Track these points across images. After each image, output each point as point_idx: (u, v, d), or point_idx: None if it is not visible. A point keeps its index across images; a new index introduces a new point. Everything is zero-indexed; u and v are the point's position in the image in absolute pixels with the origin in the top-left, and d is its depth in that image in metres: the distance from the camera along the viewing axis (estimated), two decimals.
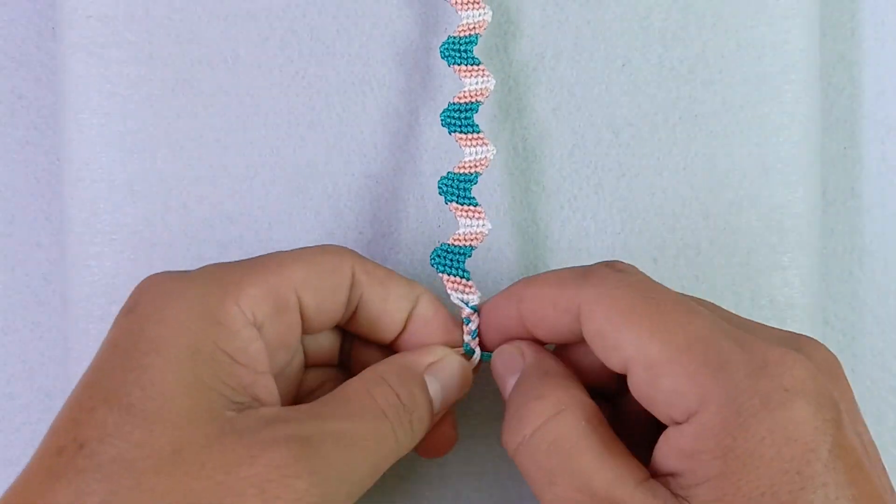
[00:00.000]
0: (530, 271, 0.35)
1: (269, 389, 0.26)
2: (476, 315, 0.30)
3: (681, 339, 0.25)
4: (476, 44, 0.30)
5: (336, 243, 0.33)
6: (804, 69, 0.35)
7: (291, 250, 0.29)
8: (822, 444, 0.23)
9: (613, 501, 0.24)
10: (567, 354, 0.30)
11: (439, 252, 0.30)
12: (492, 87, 0.30)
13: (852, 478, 0.23)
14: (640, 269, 0.28)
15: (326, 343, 0.31)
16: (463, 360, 0.30)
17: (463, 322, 0.30)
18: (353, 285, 0.29)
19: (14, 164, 0.38)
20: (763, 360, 0.24)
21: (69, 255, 0.35)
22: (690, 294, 0.28)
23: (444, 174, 0.30)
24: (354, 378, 0.28)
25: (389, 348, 0.31)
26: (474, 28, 0.30)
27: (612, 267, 0.28)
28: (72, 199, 0.34)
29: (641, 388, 0.25)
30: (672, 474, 0.25)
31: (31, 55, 0.38)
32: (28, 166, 0.38)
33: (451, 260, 0.30)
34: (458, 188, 0.30)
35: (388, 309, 0.29)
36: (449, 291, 0.30)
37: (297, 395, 0.31)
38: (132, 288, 0.27)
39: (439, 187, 0.30)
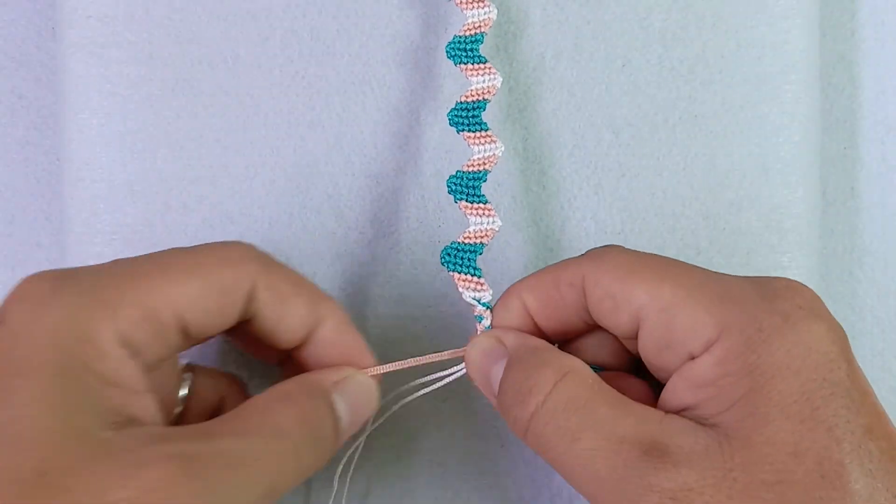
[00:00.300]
0: (530, 272, 0.35)
1: (147, 409, 0.25)
2: (489, 312, 0.30)
3: (691, 281, 0.26)
4: (482, 42, 0.30)
5: (338, 244, 0.33)
6: (804, 69, 0.35)
7: (187, 251, 0.27)
8: (840, 356, 0.24)
9: (641, 440, 0.24)
10: (573, 351, 0.29)
11: (449, 251, 0.30)
12: (499, 85, 0.30)
13: (866, 387, 0.24)
14: None
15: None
16: (369, 379, 0.29)
17: (476, 320, 0.30)
18: (248, 302, 0.27)
19: (14, 164, 0.38)
20: (772, 288, 0.26)
21: (69, 255, 0.35)
22: None
23: (453, 173, 0.30)
24: (257, 395, 0.26)
25: (292, 360, 0.30)
26: (479, 27, 0.30)
27: (605, 247, 0.28)
28: (72, 199, 0.34)
29: (656, 333, 0.26)
30: (687, 408, 0.25)
31: (31, 55, 0.38)
32: (28, 166, 0.38)
33: (462, 258, 0.30)
34: (467, 186, 0.30)
35: (282, 328, 0.28)
36: (461, 290, 0.30)
37: (208, 410, 0.30)
38: None
39: (448, 186, 0.30)
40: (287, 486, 0.25)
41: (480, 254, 0.30)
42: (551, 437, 0.26)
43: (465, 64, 0.30)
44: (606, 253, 0.28)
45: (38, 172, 0.38)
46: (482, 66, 0.30)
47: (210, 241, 0.28)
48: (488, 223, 0.30)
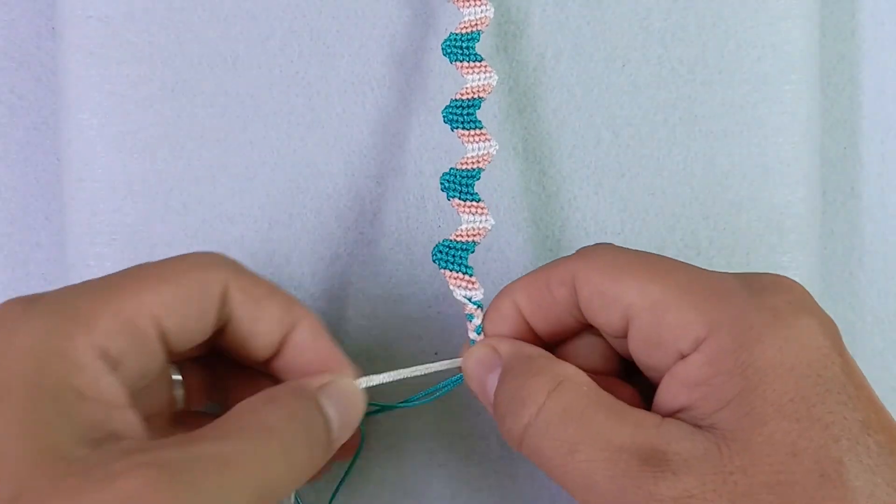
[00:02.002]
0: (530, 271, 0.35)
1: (129, 423, 0.24)
2: (480, 311, 0.30)
3: (680, 278, 0.26)
4: (478, 40, 0.30)
5: (338, 244, 0.33)
6: (804, 69, 0.35)
7: (158, 263, 0.27)
8: (833, 350, 0.24)
9: (640, 448, 0.24)
10: (563, 355, 0.29)
11: (441, 248, 0.30)
12: (494, 84, 0.30)
13: (862, 381, 0.24)
14: None
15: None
16: (353, 382, 0.28)
17: (466, 318, 0.30)
18: (222, 304, 0.27)
19: (14, 164, 0.38)
20: (761, 284, 0.25)
21: (69, 255, 0.35)
22: None
23: (446, 170, 0.30)
24: (243, 401, 0.25)
25: (266, 373, 0.29)
26: (476, 25, 0.30)
27: (596, 245, 0.29)
28: (72, 199, 0.34)
29: (645, 331, 0.26)
30: (682, 409, 0.25)
31: (31, 55, 0.38)
32: (28, 166, 0.38)
33: (454, 256, 0.30)
34: (460, 184, 0.30)
35: (257, 330, 0.27)
36: (452, 287, 0.30)
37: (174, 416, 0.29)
38: None
39: (441, 183, 0.30)
40: (281, 488, 0.24)
41: (472, 252, 0.30)
42: (547, 448, 0.25)
43: (460, 62, 0.30)
44: (596, 250, 0.28)
45: (38, 172, 0.38)
46: (478, 64, 0.30)
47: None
48: (481, 222, 0.30)
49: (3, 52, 0.38)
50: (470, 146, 0.30)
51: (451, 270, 0.30)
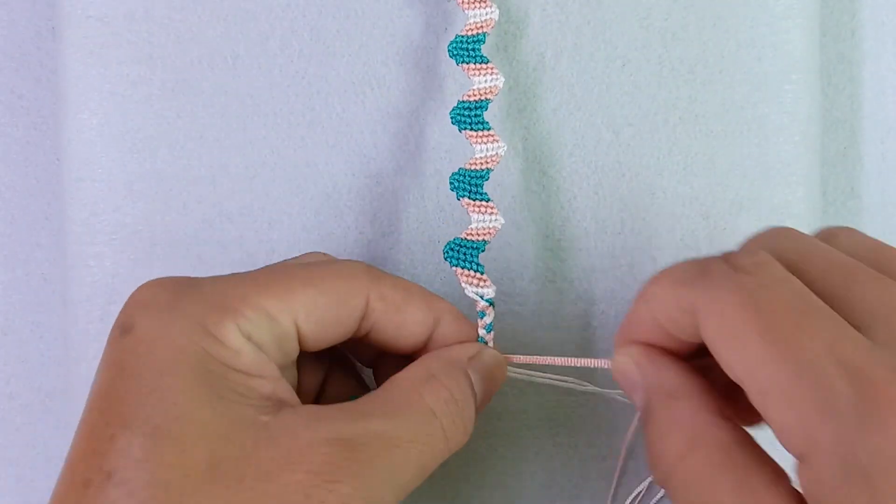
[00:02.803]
0: (530, 271, 0.35)
1: (291, 393, 0.26)
2: (491, 308, 0.30)
3: (791, 366, 0.22)
4: (484, 42, 0.30)
5: (338, 244, 0.33)
6: (804, 69, 0.35)
7: (305, 265, 0.27)
8: None
9: None
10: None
11: (452, 246, 0.30)
12: (500, 85, 0.30)
13: None
14: (765, 260, 0.24)
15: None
16: (498, 353, 0.30)
17: (478, 315, 0.30)
18: (365, 315, 0.28)
19: (14, 164, 0.38)
20: (874, 397, 0.21)
21: (69, 255, 0.35)
22: None
23: (456, 170, 0.30)
24: (400, 374, 0.27)
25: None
26: (482, 27, 0.30)
27: (728, 261, 0.24)
28: (72, 199, 0.34)
29: (757, 408, 0.23)
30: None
31: (31, 55, 0.38)
32: (28, 166, 0.38)
33: (465, 254, 0.30)
34: (470, 184, 0.30)
35: (403, 334, 0.28)
36: (463, 285, 0.30)
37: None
38: (132, 288, 0.27)
39: (451, 183, 0.30)
40: (434, 465, 0.26)
41: (483, 251, 0.30)
42: (676, 502, 0.24)
43: (467, 63, 0.30)
44: (723, 282, 0.24)
45: (38, 172, 0.38)
46: (484, 66, 0.30)
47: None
48: (491, 221, 0.30)
49: (3, 52, 0.38)
50: (479, 147, 0.30)
51: (462, 268, 0.30)
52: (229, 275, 0.27)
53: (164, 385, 0.24)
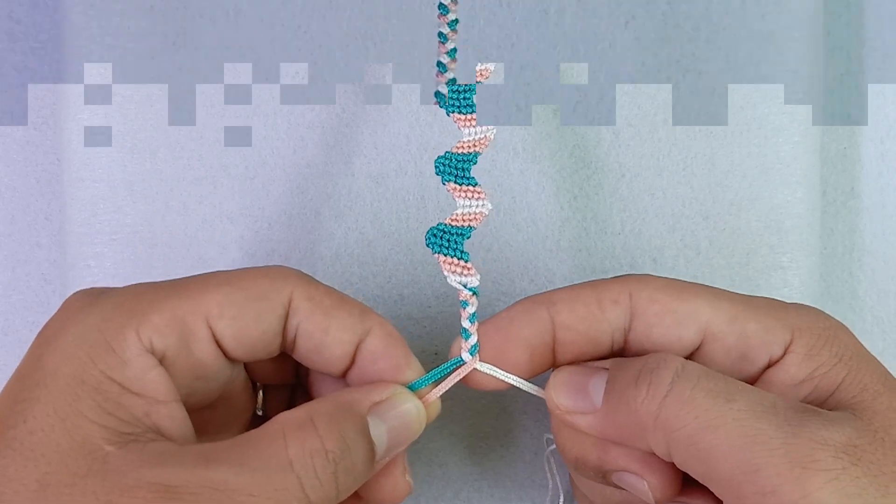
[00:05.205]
0: (530, 272, 0.35)
1: (173, 419, 0.25)
2: (475, 298, 0.28)
3: (736, 297, 0.27)
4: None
5: (338, 244, 0.33)
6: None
7: (227, 272, 0.27)
8: None
9: (792, 403, 0.24)
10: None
11: (435, 231, 0.28)
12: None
13: None
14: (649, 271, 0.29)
15: (271, 366, 0.29)
16: (416, 399, 0.27)
17: (461, 305, 0.28)
18: (288, 314, 0.26)
19: (14, 164, 0.38)
20: (805, 308, 0.27)
21: (69, 255, 0.35)
22: None
23: (441, 154, 0.29)
24: (282, 414, 0.25)
25: (344, 379, 0.28)
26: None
27: (641, 275, 0.28)
28: (72, 199, 0.34)
29: (728, 344, 0.26)
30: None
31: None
32: (28, 166, 0.38)
33: (448, 240, 0.28)
34: (455, 167, 0.28)
35: (328, 341, 0.27)
36: (446, 273, 0.28)
37: (253, 418, 0.30)
38: None
39: (436, 166, 0.29)
40: None
41: (468, 237, 0.28)
42: (701, 402, 0.24)
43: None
44: (645, 276, 0.28)
45: (38, 172, 0.38)
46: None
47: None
48: (477, 206, 0.28)
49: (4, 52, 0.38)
50: (466, 131, 0.29)
51: (445, 255, 0.28)
52: (151, 282, 0.26)
53: (35, 395, 0.24)
